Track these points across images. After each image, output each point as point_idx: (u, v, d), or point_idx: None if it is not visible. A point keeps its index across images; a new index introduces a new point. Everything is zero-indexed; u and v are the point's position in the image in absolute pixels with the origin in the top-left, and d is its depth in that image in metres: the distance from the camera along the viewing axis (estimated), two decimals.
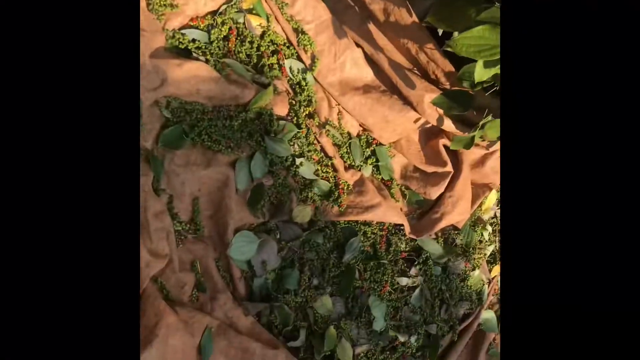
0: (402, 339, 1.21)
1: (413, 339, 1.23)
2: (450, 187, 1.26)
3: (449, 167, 1.22)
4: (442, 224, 1.24)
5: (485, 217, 1.40)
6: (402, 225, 1.21)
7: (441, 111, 1.10)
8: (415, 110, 1.11)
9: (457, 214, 1.25)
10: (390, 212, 1.16)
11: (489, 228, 1.42)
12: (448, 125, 1.12)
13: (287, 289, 1.06)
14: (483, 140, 1.13)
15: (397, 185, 1.26)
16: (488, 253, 1.42)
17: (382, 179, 1.24)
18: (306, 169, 1.09)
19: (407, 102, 1.12)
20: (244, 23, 1.02)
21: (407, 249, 1.26)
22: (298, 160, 1.08)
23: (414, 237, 1.23)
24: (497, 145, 1.22)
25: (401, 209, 1.26)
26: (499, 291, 1.43)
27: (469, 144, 1.08)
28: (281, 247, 1.07)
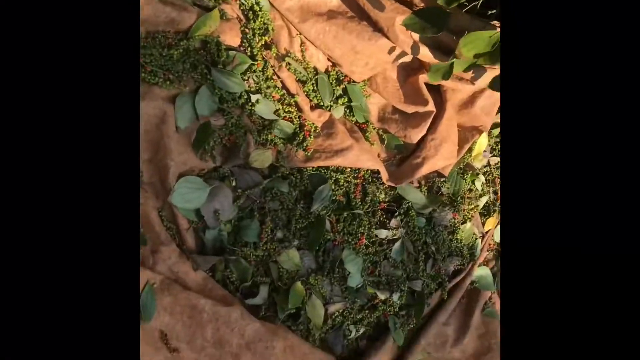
0: (382, 296, 1.10)
1: (395, 296, 1.11)
2: (432, 128, 1.13)
3: (431, 106, 1.09)
4: (424, 170, 1.12)
5: (477, 165, 1.27)
6: (380, 172, 1.09)
7: (416, 36, 0.96)
8: (386, 37, 0.98)
9: (441, 158, 1.12)
10: (363, 157, 1.04)
11: (482, 178, 1.29)
12: (424, 53, 0.98)
13: (245, 242, 0.95)
14: (464, 71, 0.98)
15: (374, 128, 1.13)
16: (481, 205, 1.29)
17: (356, 121, 1.11)
18: (264, 107, 0.97)
19: (377, 28, 0.98)
20: None
21: (386, 199, 1.14)
22: (254, 97, 0.95)
23: (393, 184, 1.11)
24: (485, 80, 1.08)
25: (379, 155, 1.14)
26: (500, 237, 1.30)
27: (448, 72, 0.94)
28: (237, 196, 0.95)
